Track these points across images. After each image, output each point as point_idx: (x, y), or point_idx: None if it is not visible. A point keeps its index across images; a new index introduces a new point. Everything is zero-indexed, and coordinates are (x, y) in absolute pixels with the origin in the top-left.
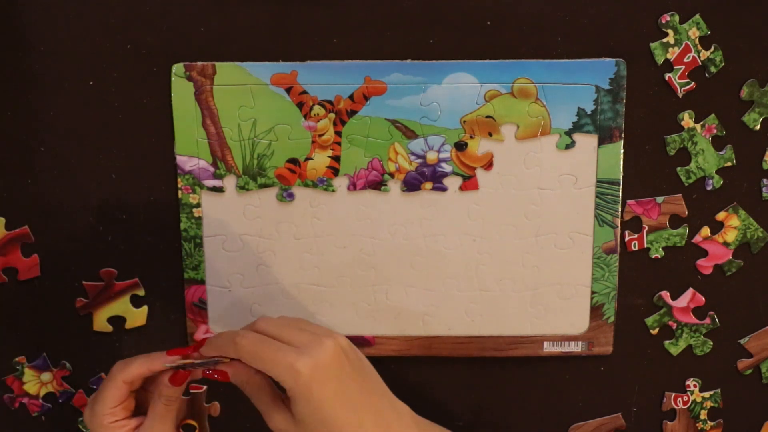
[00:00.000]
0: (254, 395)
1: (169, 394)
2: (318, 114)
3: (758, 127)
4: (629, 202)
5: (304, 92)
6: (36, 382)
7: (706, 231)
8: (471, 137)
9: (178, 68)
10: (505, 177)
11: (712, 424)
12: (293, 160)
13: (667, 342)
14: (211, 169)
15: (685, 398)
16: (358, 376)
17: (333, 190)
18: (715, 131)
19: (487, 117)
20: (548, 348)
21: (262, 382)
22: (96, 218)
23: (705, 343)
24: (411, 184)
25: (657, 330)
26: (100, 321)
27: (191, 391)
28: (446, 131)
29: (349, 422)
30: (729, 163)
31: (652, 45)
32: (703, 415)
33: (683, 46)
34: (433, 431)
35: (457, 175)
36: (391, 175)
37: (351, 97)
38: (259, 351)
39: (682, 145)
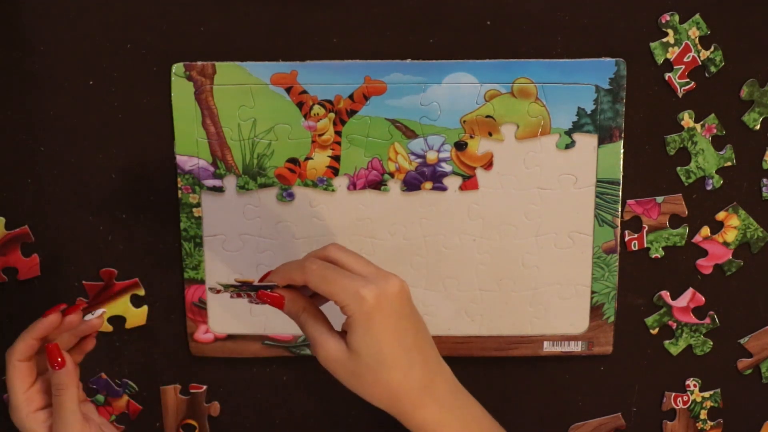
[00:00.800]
0: (309, 323)
1: (57, 382)
2: (318, 114)
3: (758, 127)
4: (629, 201)
5: (304, 92)
6: None
7: (706, 231)
8: (471, 137)
9: (178, 68)
10: (505, 177)
11: (712, 423)
12: (293, 160)
13: (667, 342)
14: (211, 168)
15: (685, 398)
16: (415, 322)
17: (333, 190)
18: (715, 131)
19: (487, 117)
20: (548, 348)
21: (318, 312)
22: (96, 218)
23: (705, 342)
24: (411, 184)
25: (657, 330)
26: None
27: (191, 391)
28: (446, 131)
29: (400, 362)
30: (729, 163)
31: (652, 45)
32: (703, 414)
33: (683, 45)
34: (467, 399)
35: (457, 175)
36: (391, 175)
37: (351, 96)
38: (327, 275)
39: (682, 145)
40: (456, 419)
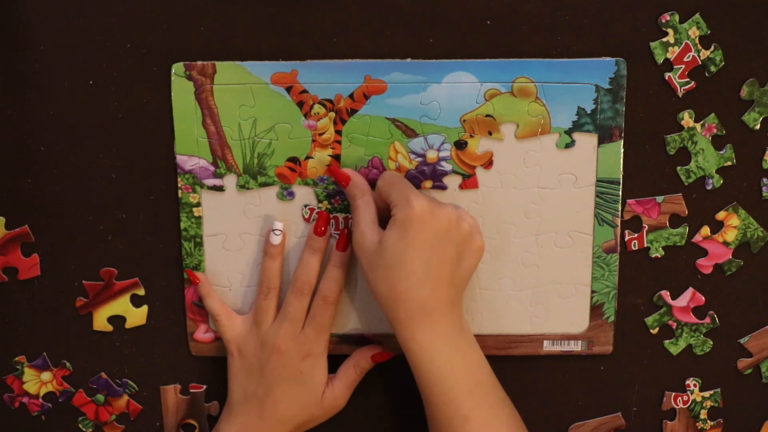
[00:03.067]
0: (360, 208)
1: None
2: (318, 113)
3: (758, 127)
4: (629, 201)
5: (305, 91)
6: (36, 382)
7: (706, 230)
8: (471, 136)
9: (178, 68)
10: (504, 176)
11: (712, 423)
12: (293, 159)
13: (667, 341)
14: (212, 168)
15: (685, 398)
16: (455, 256)
17: (333, 189)
18: (715, 131)
19: (487, 116)
20: (548, 347)
21: (372, 204)
22: (96, 218)
23: (705, 342)
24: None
25: (657, 329)
26: (100, 321)
27: (191, 390)
28: (446, 130)
29: (415, 274)
30: (729, 163)
31: (652, 44)
32: (703, 414)
33: (683, 45)
34: (470, 347)
35: (457, 174)
36: None
37: (351, 96)
38: (394, 179)
39: (682, 145)
40: (445, 355)
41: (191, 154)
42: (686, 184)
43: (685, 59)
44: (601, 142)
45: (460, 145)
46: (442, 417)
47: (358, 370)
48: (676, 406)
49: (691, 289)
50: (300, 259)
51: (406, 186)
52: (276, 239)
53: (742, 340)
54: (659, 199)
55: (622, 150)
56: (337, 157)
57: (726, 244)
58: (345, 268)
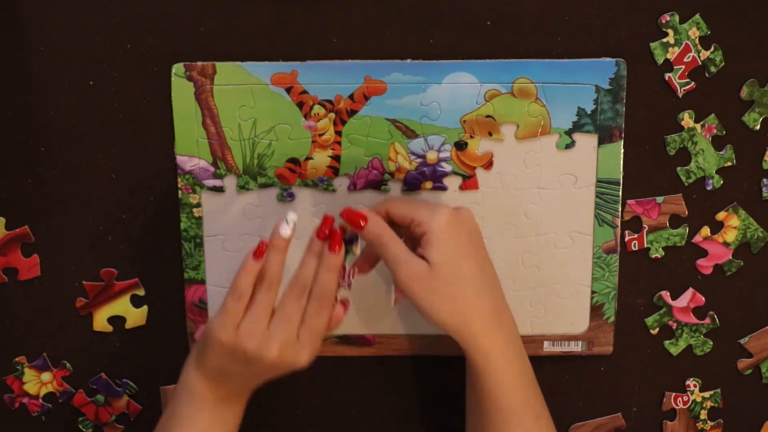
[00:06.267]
0: (390, 243)
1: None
2: (318, 114)
3: (758, 127)
4: (629, 201)
5: (305, 92)
6: (36, 382)
7: (706, 231)
8: (471, 137)
9: (178, 68)
10: (505, 176)
11: (712, 424)
12: (293, 160)
13: (667, 342)
14: (212, 168)
15: (685, 398)
16: (485, 254)
17: (333, 190)
18: (715, 131)
19: (487, 117)
20: (548, 348)
21: (396, 235)
22: (96, 218)
23: (705, 343)
24: (411, 184)
25: (657, 330)
26: (100, 321)
27: None
28: (446, 131)
29: (475, 280)
30: (729, 163)
31: (652, 45)
32: (703, 415)
33: (683, 46)
34: (522, 346)
35: (457, 175)
36: (392, 175)
37: (351, 96)
38: (407, 199)
39: (682, 145)
40: (517, 358)
41: (191, 155)
42: (686, 184)
43: (685, 60)
44: (601, 142)
45: (461, 145)
46: (511, 420)
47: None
48: (676, 407)
49: (691, 290)
50: (301, 261)
51: (418, 202)
52: (286, 230)
53: (742, 341)
54: (659, 199)
55: (622, 150)
56: (337, 158)
57: (726, 244)
58: (337, 271)
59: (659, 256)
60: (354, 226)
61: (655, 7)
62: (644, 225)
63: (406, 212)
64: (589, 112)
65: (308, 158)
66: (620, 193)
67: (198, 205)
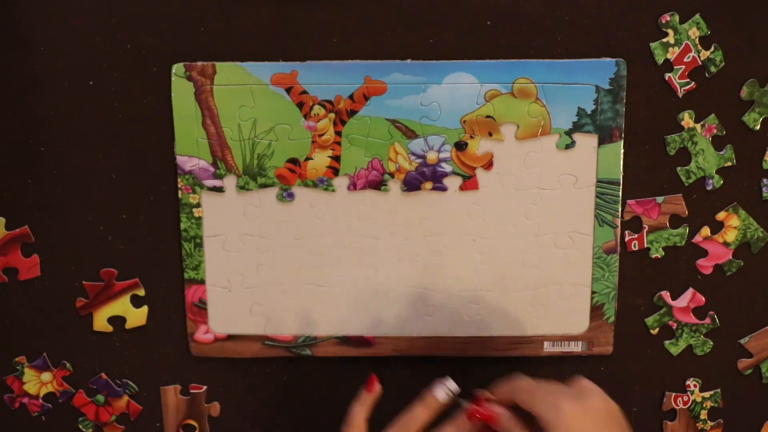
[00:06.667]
0: None
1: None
2: (318, 114)
3: (758, 127)
4: (629, 202)
5: (304, 92)
6: (36, 382)
7: (706, 231)
8: (471, 137)
9: (178, 68)
10: (505, 177)
11: (712, 424)
12: (293, 160)
13: (667, 342)
14: (211, 169)
15: (685, 398)
16: None
17: (333, 190)
18: (715, 131)
19: (487, 117)
20: (548, 348)
21: (524, 425)
22: (96, 218)
23: (705, 343)
24: (411, 184)
25: (657, 330)
26: (100, 321)
27: (191, 391)
28: (446, 131)
29: None
30: (729, 163)
31: (652, 45)
32: (703, 415)
33: (683, 46)
34: None
35: (457, 175)
36: (391, 175)
37: (351, 97)
38: (531, 387)
39: (682, 145)
40: None
41: (191, 155)
42: (686, 184)
43: (685, 60)
44: (601, 142)
45: (461, 146)
46: None
47: None
48: (676, 407)
49: (691, 290)
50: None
51: (543, 388)
52: (442, 395)
53: (742, 341)
54: (659, 199)
55: (622, 150)
56: (336, 158)
57: (726, 244)
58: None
59: (659, 256)
60: (486, 420)
61: (655, 7)
62: (644, 225)
63: (529, 403)
64: (589, 112)
65: (308, 158)
66: (620, 193)
67: (198, 205)
